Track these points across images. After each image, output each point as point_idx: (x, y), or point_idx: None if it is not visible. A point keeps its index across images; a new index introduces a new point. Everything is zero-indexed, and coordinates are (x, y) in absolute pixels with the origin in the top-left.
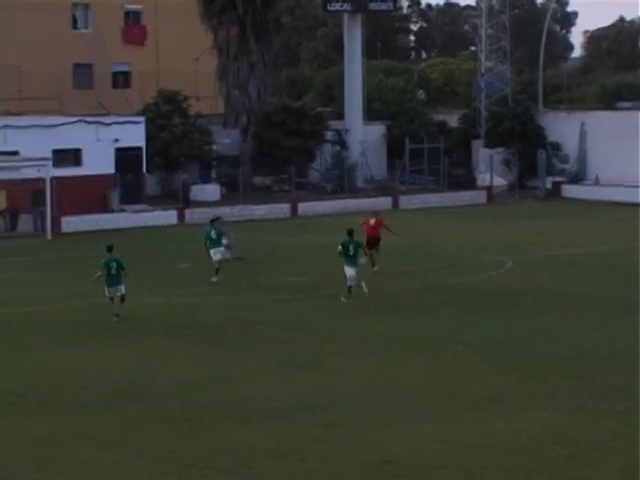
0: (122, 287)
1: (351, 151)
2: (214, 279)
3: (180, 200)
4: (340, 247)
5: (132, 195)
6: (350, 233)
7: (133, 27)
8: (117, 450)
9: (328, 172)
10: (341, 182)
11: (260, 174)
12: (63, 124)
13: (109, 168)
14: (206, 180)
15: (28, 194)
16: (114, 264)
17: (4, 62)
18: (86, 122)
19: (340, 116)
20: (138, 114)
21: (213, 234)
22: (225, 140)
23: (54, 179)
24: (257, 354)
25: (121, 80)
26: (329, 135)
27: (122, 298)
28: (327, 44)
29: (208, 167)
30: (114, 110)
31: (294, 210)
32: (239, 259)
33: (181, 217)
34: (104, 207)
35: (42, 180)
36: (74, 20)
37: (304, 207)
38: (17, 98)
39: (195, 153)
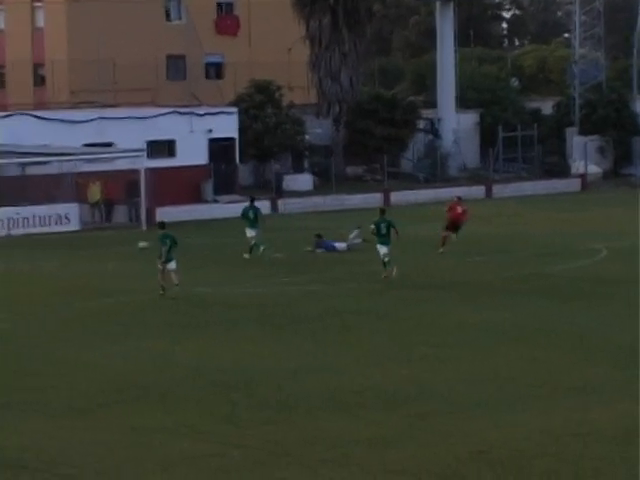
0: (173, 263)
1: (444, 140)
2: (246, 255)
3: (273, 190)
4: (373, 226)
5: (225, 185)
6: (383, 212)
7: (225, 18)
8: (213, 440)
9: (420, 161)
10: (434, 171)
11: (352, 164)
12: (157, 115)
13: (202, 159)
14: (298, 170)
15: (123, 185)
16: (167, 240)
17: (99, 55)
18: (180, 113)
19: (432, 105)
20: (231, 105)
21: (250, 214)
22: (317, 130)
23: (148, 170)
24: (351, 343)
25: (214, 71)
26: (421, 124)
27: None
28: (419, 32)
29: (300, 157)
30: (207, 101)
31: (386, 200)
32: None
33: (274, 207)
34: (198, 198)
35: (136, 171)
36: (167, 12)
37: (396, 196)
38: (112, 90)
39: (288, 143)
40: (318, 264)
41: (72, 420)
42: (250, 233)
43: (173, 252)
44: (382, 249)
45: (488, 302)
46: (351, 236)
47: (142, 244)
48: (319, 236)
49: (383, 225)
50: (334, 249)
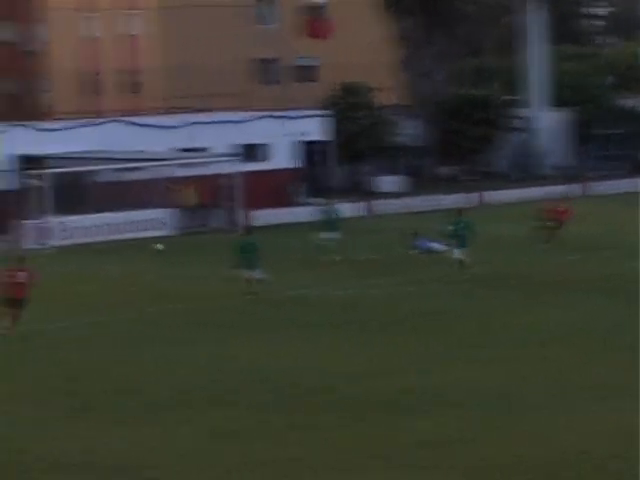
0: (257, 271)
1: (537, 138)
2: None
3: (366, 192)
4: (451, 227)
5: (318, 188)
6: (460, 213)
7: (317, 20)
8: (297, 444)
9: (514, 160)
10: (527, 170)
11: (445, 164)
12: (249, 120)
13: (295, 162)
14: (391, 171)
15: (217, 189)
16: (249, 247)
17: (192, 60)
18: (273, 117)
19: (525, 104)
20: (323, 107)
21: (326, 218)
22: (410, 131)
23: (242, 174)
24: (424, 344)
25: (306, 74)
26: (514, 123)
27: (257, 281)
28: (511, 32)
29: (393, 158)
30: (299, 104)
31: (480, 199)
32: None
33: (367, 209)
34: (291, 201)
35: (230, 175)
36: (259, 16)
37: (490, 196)
38: (205, 95)
39: (380, 144)
40: (408, 265)
41: (154, 423)
42: (326, 235)
43: (256, 260)
44: (457, 250)
45: (577, 301)
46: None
47: (159, 246)
48: (415, 234)
49: (460, 226)
50: (430, 250)
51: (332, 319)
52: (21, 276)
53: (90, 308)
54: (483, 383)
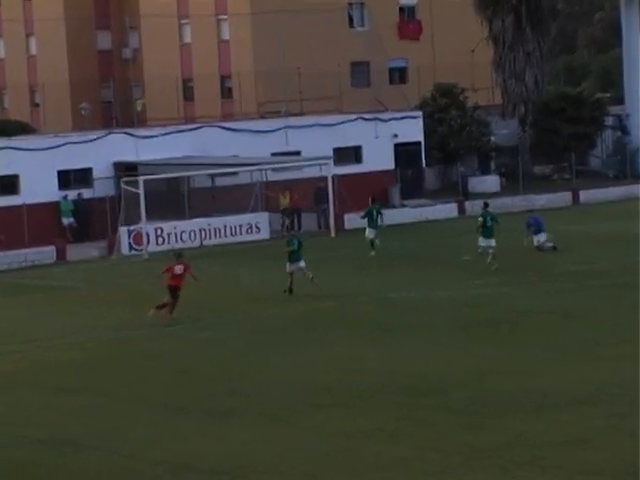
0: (301, 263)
1: (633, 136)
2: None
3: (460, 192)
4: (481, 219)
5: (412, 190)
6: (486, 205)
7: (408, 22)
8: (410, 444)
9: (609, 158)
10: (623, 168)
11: (539, 163)
12: (342, 122)
13: (389, 164)
14: (485, 171)
15: (311, 193)
16: (296, 241)
17: (284, 64)
18: (365, 119)
19: (620, 101)
20: (415, 109)
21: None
22: (503, 130)
23: (336, 177)
24: (541, 344)
25: (397, 76)
26: (609, 121)
27: (303, 272)
28: (604, 28)
29: (487, 158)
30: (391, 106)
31: (575, 198)
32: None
33: (461, 209)
34: (385, 203)
35: (324, 178)
36: (350, 19)
37: (585, 195)
38: (297, 99)
39: (473, 145)
40: (507, 266)
41: (267, 426)
42: (369, 235)
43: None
44: (486, 242)
45: None
46: (541, 240)
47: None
48: (531, 211)
49: (489, 218)
50: (538, 230)
51: (440, 320)
52: (178, 268)
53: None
54: (614, 382)
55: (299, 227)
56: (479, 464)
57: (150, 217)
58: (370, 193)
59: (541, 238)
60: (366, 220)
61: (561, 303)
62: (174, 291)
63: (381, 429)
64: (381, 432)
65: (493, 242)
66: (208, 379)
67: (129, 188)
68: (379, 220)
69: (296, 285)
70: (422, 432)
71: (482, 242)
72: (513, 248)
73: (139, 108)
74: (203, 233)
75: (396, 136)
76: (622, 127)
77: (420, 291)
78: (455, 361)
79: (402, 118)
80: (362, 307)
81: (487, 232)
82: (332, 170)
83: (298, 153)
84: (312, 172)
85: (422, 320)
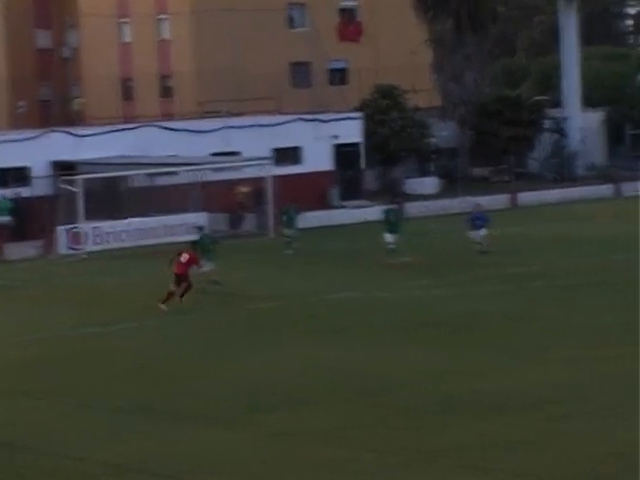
0: (211, 264)
1: (570, 139)
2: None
3: (392, 194)
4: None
5: (351, 191)
6: (394, 202)
7: (348, 24)
8: (348, 446)
9: (547, 161)
10: (561, 171)
11: (478, 165)
12: (282, 123)
13: (328, 165)
14: (424, 173)
15: (251, 193)
16: (207, 240)
17: (225, 64)
18: (305, 120)
19: (558, 104)
20: (355, 110)
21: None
22: (443, 132)
23: (275, 178)
24: (483, 346)
25: (338, 77)
26: (547, 123)
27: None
28: (543, 32)
29: (426, 160)
30: (332, 107)
31: (514, 200)
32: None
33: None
34: (324, 204)
35: (263, 179)
36: (290, 20)
37: (524, 197)
38: (238, 99)
39: (413, 147)
40: (445, 267)
41: (210, 427)
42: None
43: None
44: (476, 234)
45: (620, 303)
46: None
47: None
48: (478, 205)
49: (391, 213)
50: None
51: (386, 321)
52: (183, 257)
53: (132, 312)
54: (557, 384)
55: (238, 228)
56: (418, 466)
57: (88, 216)
58: (309, 193)
59: (481, 233)
60: (284, 219)
61: (501, 305)
62: (178, 278)
63: (324, 430)
64: (323, 433)
65: (394, 238)
66: (153, 380)
67: (67, 187)
68: (295, 222)
69: (239, 286)
70: (362, 433)
71: (387, 238)
72: (451, 250)
73: (77, 107)
74: (141, 233)
75: (336, 137)
76: (560, 130)
77: (360, 292)
78: (399, 362)
79: (342, 119)
80: (306, 308)
81: (391, 228)
82: (271, 171)
83: (238, 153)
84: (251, 173)
85: (364, 321)
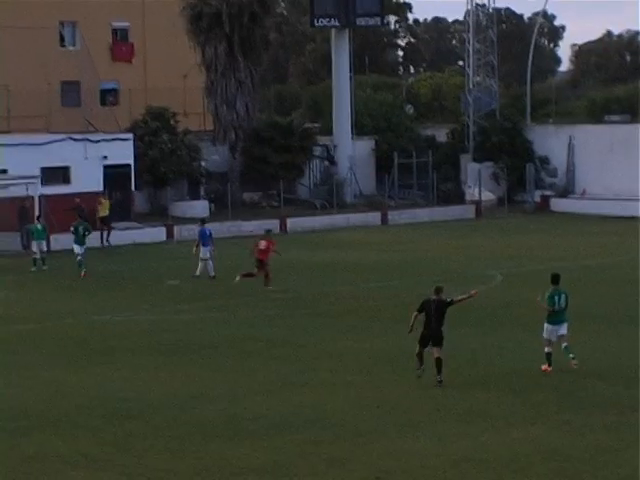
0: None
1: (340, 166)
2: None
3: (167, 217)
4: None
5: (121, 212)
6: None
7: (120, 44)
8: (108, 469)
9: (317, 188)
10: (330, 198)
11: (249, 190)
12: (51, 142)
13: (97, 185)
14: (195, 197)
15: (16, 212)
16: (81, 227)
17: None
18: (74, 140)
19: (328, 131)
20: (126, 131)
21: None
22: (214, 156)
23: (43, 197)
24: (245, 370)
25: (109, 97)
26: (317, 151)
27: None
28: (315, 60)
29: (197, 184)
30: (102, 127)
31: (283, 226)
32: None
33: (170, 234)
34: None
35: (30, 198)
36: (61, 38)
37: (293, 223)
38: (5, 116)
39: (183, 170)
40: (215, 291)
41: None
42: (204, 255)
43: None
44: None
45: (386, 330)
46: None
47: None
48: (203, 221)
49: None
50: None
51: (144, 345)
52: (262, 244)
53: None
54: (315, 409)
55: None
56: None
57: None
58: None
59: (207, 253)
60: (74, 236)
61: (264, 330)
62: (259, 263)
63: (80, 453)
64: (80, 456)
65: (82, 249)
66: None
67: None
68: (85, 239)
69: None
70: (121, 457)
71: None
72: (219, 274)
73: None
74: None
75: (106, 158)
76: (330, 157)
77: (124, 314)
78: (157, 385)
79: (112, 140)
80: (66, 330)
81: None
82: (39, 190)
83: (4, 171)
84: (18, 191)
85: (125, 344)
